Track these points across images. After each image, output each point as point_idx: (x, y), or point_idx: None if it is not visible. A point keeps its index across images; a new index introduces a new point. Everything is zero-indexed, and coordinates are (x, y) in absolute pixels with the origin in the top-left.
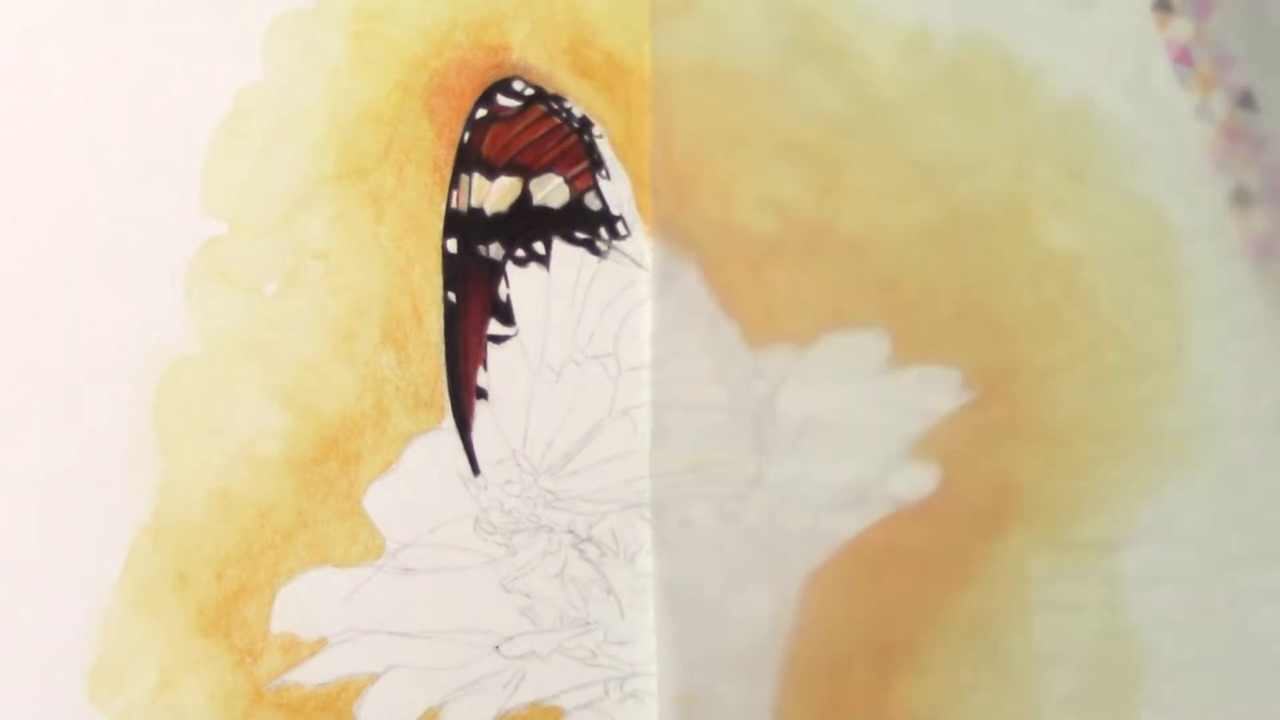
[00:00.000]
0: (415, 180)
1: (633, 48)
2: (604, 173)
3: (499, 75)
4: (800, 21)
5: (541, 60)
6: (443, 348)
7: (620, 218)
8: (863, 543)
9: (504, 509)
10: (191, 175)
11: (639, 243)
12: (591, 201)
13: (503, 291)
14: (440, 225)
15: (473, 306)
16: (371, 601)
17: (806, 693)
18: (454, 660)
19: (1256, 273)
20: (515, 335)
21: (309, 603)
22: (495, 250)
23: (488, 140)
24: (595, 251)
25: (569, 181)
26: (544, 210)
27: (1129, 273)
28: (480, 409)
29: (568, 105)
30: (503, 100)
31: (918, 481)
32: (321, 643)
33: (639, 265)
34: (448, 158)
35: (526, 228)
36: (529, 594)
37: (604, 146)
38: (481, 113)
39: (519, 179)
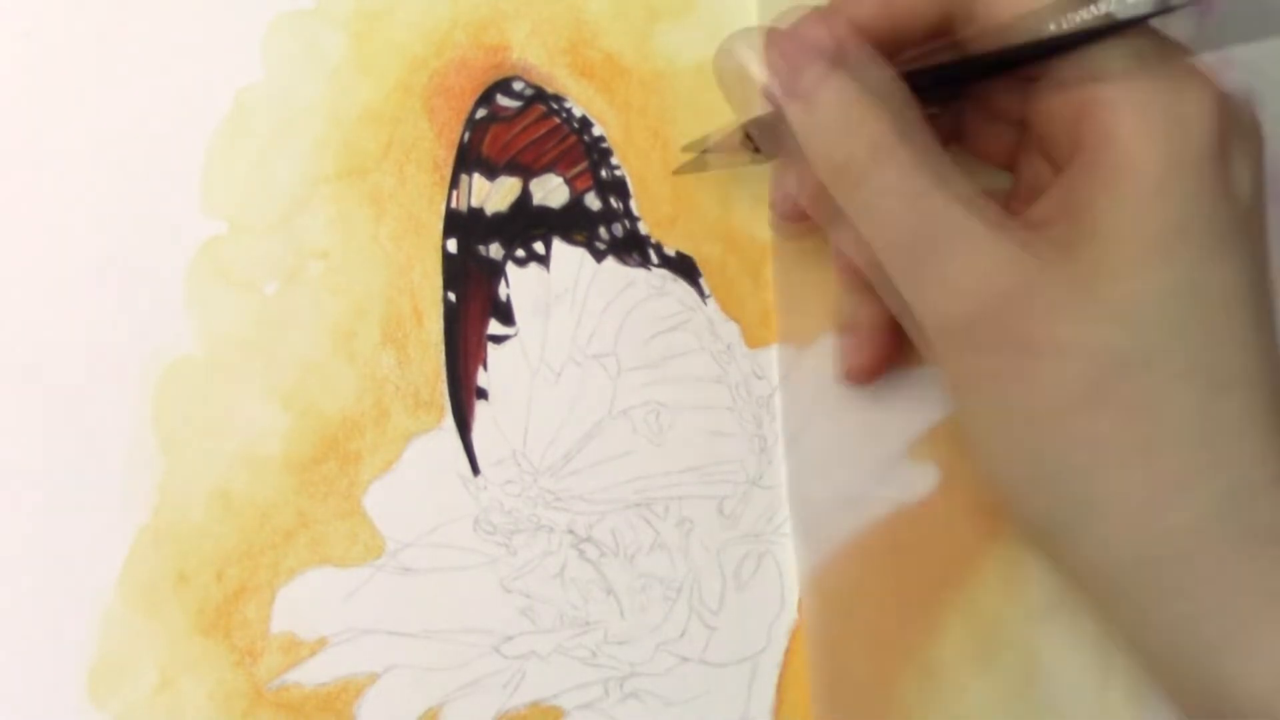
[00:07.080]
0: (415, 180)
1: (633, 48)
2: (604, 173)
3: (499, 75)
4: None
5: (541, 60)
6: (443, 348)
7: (620, 218)
8: (863, 543)
9: (504, 509)
10: (191, 175)
11: (639, 242)
12: (591, 201)
13: (503, 291)
14: (440, 225)
15: (473, 306)
16: (371, 601)
17: (806, 693)
18: (454, 660)
19: None
20: (515, 335)
21: (309, 603)
22: (495, 250)
23: (488, 140)
24: (595, 251)
25: (569, 181)
26: (544, 210)
27: None
28: (480, 409)
29: (568, 105)
30: (503, 100)
31: (918, 481)
32: (321, 643)
33: (639, 265)
34: (448, 158)
35: (526, 228)
36: (529, 594)
37: (604, 146)
38: (481, 113)
39: (519, 179)
